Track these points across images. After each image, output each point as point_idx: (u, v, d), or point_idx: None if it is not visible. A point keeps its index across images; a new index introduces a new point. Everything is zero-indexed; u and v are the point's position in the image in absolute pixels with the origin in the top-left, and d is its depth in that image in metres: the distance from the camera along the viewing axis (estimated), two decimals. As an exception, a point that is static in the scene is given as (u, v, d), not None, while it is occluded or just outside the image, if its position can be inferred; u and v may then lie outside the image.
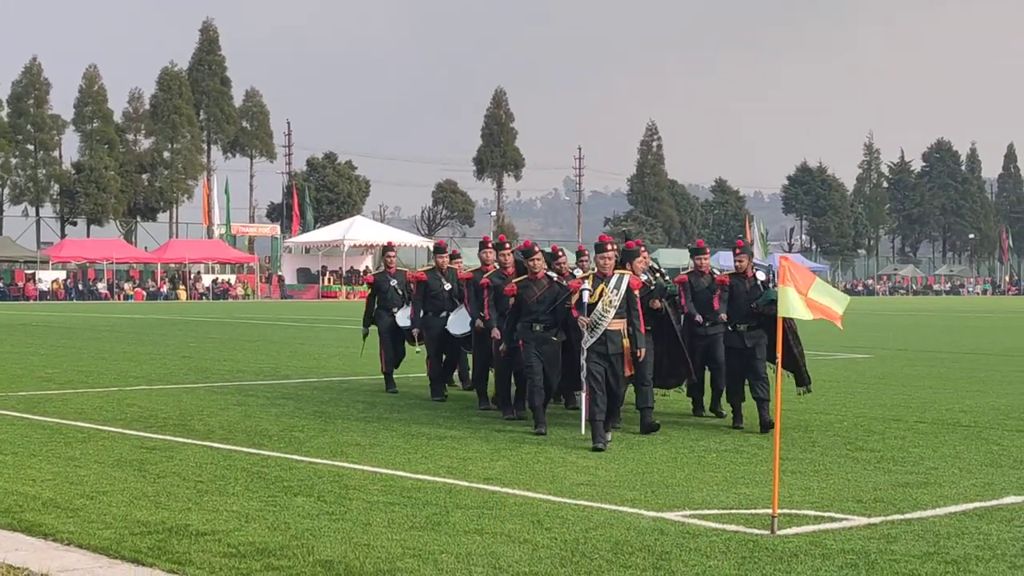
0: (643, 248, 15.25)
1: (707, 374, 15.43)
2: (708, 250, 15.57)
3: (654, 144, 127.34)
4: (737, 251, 14.75)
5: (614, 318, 12.94)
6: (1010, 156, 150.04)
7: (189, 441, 13.10)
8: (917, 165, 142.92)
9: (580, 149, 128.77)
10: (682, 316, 14.90)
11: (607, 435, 12.90)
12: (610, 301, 12.90)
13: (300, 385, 19.51)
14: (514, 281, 14.41)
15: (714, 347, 14.90)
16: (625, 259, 13.91)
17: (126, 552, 8.05)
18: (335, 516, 9.25)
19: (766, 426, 13.84)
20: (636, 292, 13.23)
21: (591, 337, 12.93)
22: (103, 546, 8.21)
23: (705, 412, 15.57)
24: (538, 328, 14.02)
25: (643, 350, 13.18)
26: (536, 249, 14.38)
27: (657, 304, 14.08)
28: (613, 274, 13.12)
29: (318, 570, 7.63)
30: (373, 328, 19.02)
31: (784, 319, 12.70)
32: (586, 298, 12.99)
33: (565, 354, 14.24)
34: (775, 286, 12.91)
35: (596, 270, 13.40)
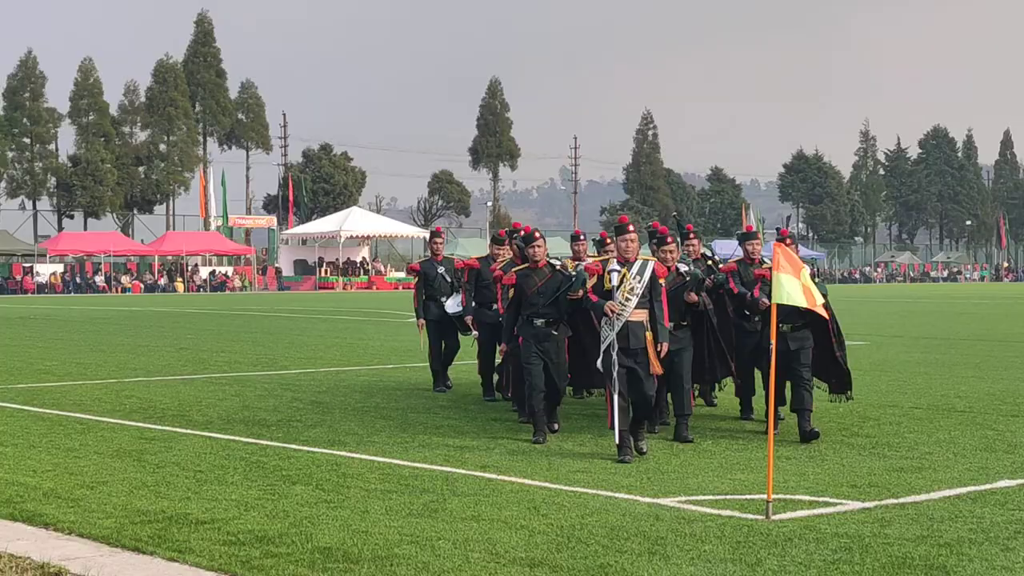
0: (694, 235, 14.56)
1: (759, 375, 14.06)
2: (761, 236, 13.88)
3: (650, 133, 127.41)
4: (788, 242, 12.50)
5: (635, 308, 11.49)
6: (1006, 142, 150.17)
7: (188, 431, 13.16)
8: (913, 152, 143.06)
9: (576, 138, 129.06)
10: (729, 310, 13.56)
11: (642, 443, 11.65)
12: (631, 288, 11.47)
13: (298, 375, 19.56)
14: (513, 270, 13.17)
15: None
16: (655, 245, 12.81)
17: (126, 541, 8.12)
18: (333, 504, 9.32)
19: (808, 436, 12.38)
20: (661, 281, 11.81)
21: (611, 330, 11.48)
22: (104, 535, 8.28)
23: (755, 416, 14.04)
24: (539, 323, 12.72)
25: (665, 344, 11.63)
26: (537, 235, 13.05)
27: (694, 298, 12.76)
28: (636, 259, 11.70)
29: (316, 557, 7.70)
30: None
31: (833, 319, 12.67)
32: (615, 280, 11.52)
33: (574, 350, 13.05)
34: (823, 280, 12.59)
35: (617, 255, 11.89)
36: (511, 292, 13.03)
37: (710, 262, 14.20)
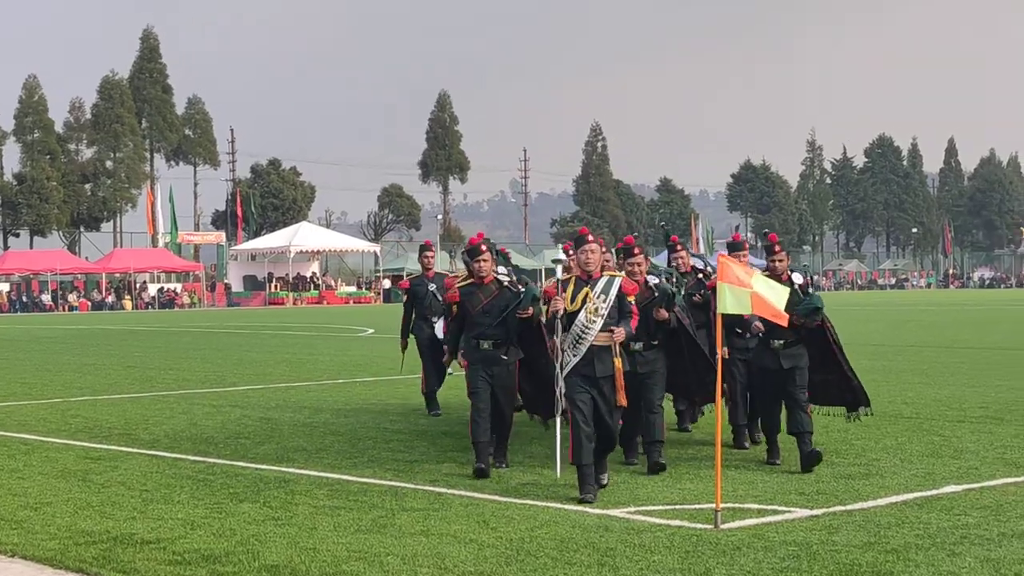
0: (680, 247, 13.48)
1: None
2: (780, 248, 11.86)
3: (599, 145, 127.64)
4: (776, 249, 11.74)
5: (601, 331, 10.24)
6: (951, 150, 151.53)
7: (134, 450, 13.05)
8: (859, 161, 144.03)
9: (525, 151, 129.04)
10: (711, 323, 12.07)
11: (603, 475, 10.59)
12: (596, 309, 10.24)
13: (246, 392, 19.44)
14: (456, 286, 11.81)
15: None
16: (622, 257, 11.63)
17: (71, 562, 8.04)
18: (281, 521, 9.26)
19: (810, 460, 11.22)
20: (631, 299, 10.50)
21: (573, 356, 10.27)
22: (48, 557, 8.19)
23: (749, 445, 12.90)
24: (486, 345, 11.42)
25: (621, 331, 10.28)
26: (483, 248, 11.66)
27: (664, 315, 11.33)
28: (600, 275, 10.47)
29: (263, 575, 7.65)
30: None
31: (831, 331, 12.05)
32: (559, 306, 10.34)
33: (530, 374, 11.96)
34: (816, 290, 11.95)
35: (578, 270, 10.60)
36: (454, 309, 11.82)
37: (700, 275, 13.18)
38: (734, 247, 13.45)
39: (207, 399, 18.34)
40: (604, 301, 10.31)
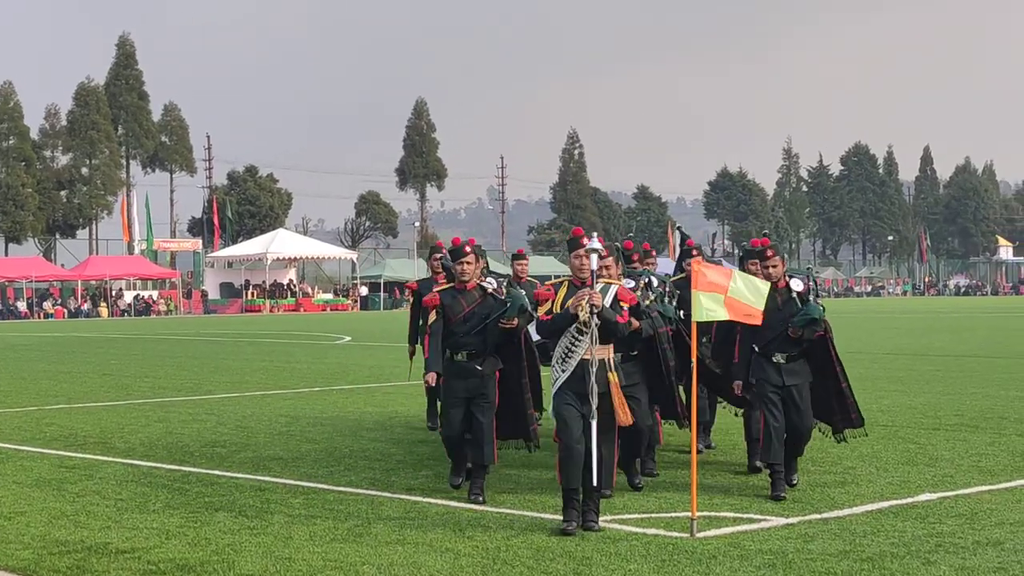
0: (697, 252, 12.33)
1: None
2: (774, 252, 10.92)
3: (576, 152, 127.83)
4: (769, 253, 10.84)
5: (594, 343, 9.41)
6: (926, 158, 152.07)
7: (110, 459, 12.98)
8: (836, 169, 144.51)
9: (502, 158, 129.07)
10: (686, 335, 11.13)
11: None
12: (587, 319, 9.39)
13: (222, 400, 19.38)
14: (436, 290, 10.97)
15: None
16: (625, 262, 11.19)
17: (44, 572, 8.00)
18: (256, 531, 9.23)
19: (781, 488, 10.48)
20: (625, 305, 9.71)
21: (562, 370, 9.42)
22: (21, 567, 8.14)
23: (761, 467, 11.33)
24: (461, 357, 10.54)
25: (593, 294, 9.33)
26: (467, 249, 10.75)
27: (635, 324, 10.27)
28: (594, 282, 9.49)
29: (239, 585, 7.63)
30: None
31: (832, 344, 10.94)
32: (584, 301, 9.34)
33: (507, 390, 10.77)
34: (817, 298, 10.87)
35: (572, 276, 9.74)
36: (432, 315, 10.75)
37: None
38: (753, 255, 11.47)
39: (183, 407, 18.27)
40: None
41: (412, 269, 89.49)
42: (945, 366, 24.72)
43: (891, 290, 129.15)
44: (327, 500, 10.49)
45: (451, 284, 10.76)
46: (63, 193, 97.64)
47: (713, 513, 9.66)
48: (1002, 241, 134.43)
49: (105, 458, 13.06)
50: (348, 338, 40.62)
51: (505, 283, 11.13)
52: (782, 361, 10.66)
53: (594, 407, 9.31)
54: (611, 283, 9.76)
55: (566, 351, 9.42)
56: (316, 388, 21.28)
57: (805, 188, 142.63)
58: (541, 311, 9.68)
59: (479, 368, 10.47)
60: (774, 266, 10.73)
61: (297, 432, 15.10)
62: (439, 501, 10.37)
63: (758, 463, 11.43)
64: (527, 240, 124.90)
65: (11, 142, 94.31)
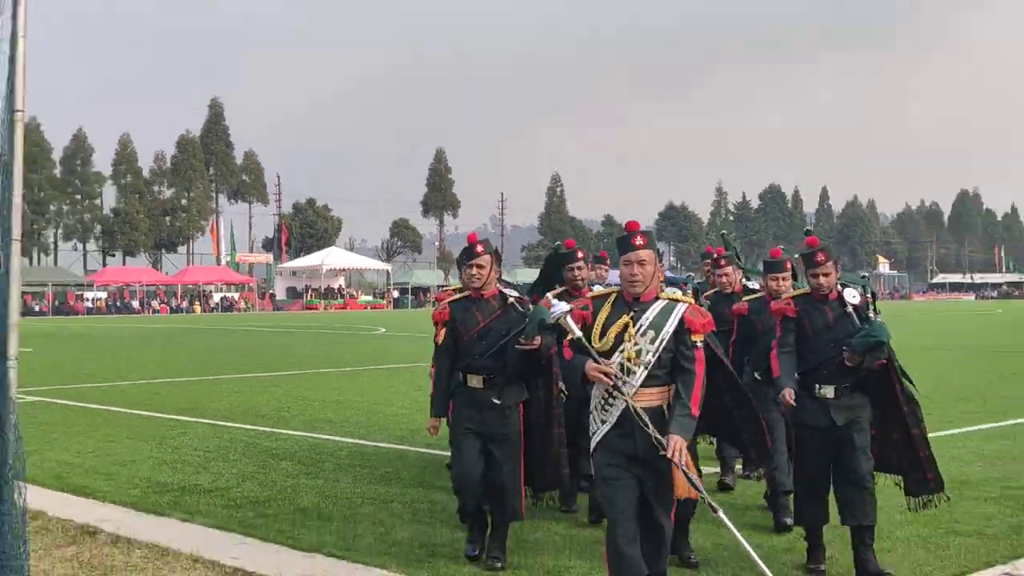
0: (726, 261, 8.76)
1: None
2: (827, 256, 6.47)
3: (558, 190, 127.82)
4: (820, 257, 6.39)
5: (646, 385, 4.99)
6: (823, 195, 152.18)
7: (200, 420, 12.94)
8: (755, 203, 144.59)
9: (502, 194, 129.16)
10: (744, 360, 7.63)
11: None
12: (639, 351, 4.99)
13: (286, 376, 19.30)
14: (447, 301, 6.57)
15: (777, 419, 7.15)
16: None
17: (149, 506, 7.97)
18: (311, 475, 9.20)
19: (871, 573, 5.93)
20: (696, 339, 5.04)
21: (602, 421, 5.05)
22: (132, 502, 8.12)
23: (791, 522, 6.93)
24: (475, 383, 6.33)
25: (677, 440, 4.84)
26: (480, 249, 6.47)
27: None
28: (650, 298, 5.10)
29: (297, 516, 7.60)
30: None
31: (898, 375, 6.27)
32: (574, 329, 5.08)
33: (535, 425, 6.52)
34: (877, 314, 6.26)
35: (620, 288, 5.19)
36: (440, 332, 6.49)
37: (749, 296, 8.17)
38: (773, 267, 7.85)
39: (256, 381, 18.20)
40: (654, 340, 5.02)
41: (433, 278, 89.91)
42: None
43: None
44: (365, 452, 10.45)
45: (463, 293, 6.56)
46: (167, 218, 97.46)
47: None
48: (881, 259, 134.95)
49: (196, 419, 13.02)
50: (383, 329, 40.53)
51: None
52: (830, 396, 6.14)
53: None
54: (675, 301, 5.10)
55: (608, 395, 5.04)
56: (359, 368, 21.22)
57: (732, 218, 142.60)
58: (569, 338, 5.13)
59: (496, 401, 6.32)
60: (826, 274, 6.38)
61: (344, 401, 15.05)
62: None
63: (787, 520, 7.02)
64: (521, 257, 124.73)
65: (128, 179, 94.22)
